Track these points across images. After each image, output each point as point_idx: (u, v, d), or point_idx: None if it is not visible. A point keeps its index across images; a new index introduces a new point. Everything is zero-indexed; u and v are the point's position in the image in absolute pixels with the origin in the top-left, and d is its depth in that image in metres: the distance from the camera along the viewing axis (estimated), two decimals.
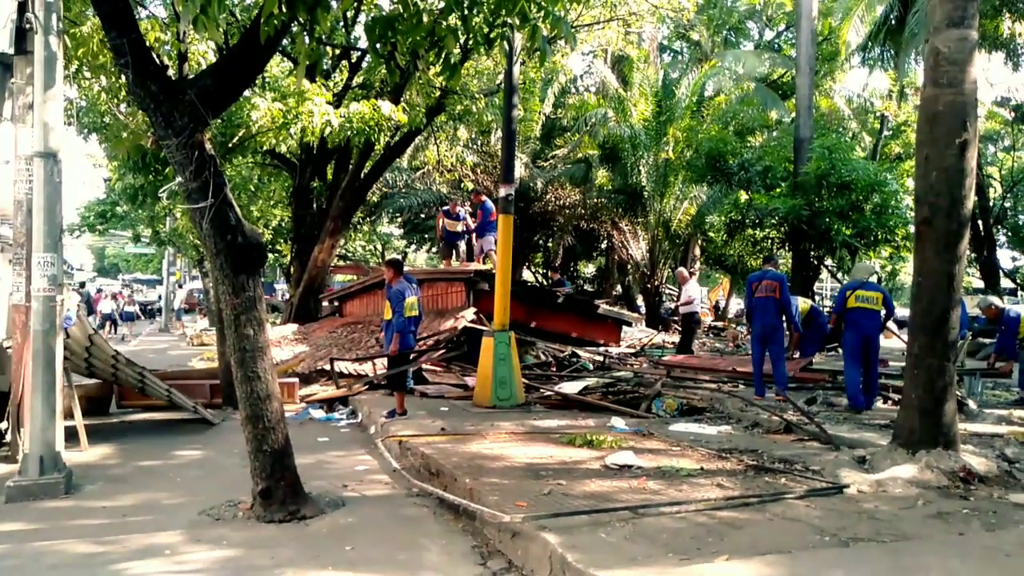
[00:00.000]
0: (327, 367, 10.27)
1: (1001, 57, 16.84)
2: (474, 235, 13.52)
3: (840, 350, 10.16)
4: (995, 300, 10.02)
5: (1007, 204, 23.53)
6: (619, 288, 24.82)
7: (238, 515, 4.85)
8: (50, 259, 5.47)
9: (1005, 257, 27.11)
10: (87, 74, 8.11)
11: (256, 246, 4.91)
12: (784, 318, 8.73)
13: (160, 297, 32.58)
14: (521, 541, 3.99)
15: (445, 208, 14.26)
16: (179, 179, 4.74)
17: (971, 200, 5.29)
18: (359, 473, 6.08)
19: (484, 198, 13.32)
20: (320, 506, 4.96)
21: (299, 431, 7.39)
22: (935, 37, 5.24)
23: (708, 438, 6.64)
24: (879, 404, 8.17)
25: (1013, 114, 19.50)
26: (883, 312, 7.85)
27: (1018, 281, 24.54)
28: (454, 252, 14.08)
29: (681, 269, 14.36)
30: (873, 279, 8.42)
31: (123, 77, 4.88)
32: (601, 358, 11.76)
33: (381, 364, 9.61)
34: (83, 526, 4.75)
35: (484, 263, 12.66)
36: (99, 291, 30.03)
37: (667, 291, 21.11)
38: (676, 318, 13.29)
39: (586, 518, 4.11)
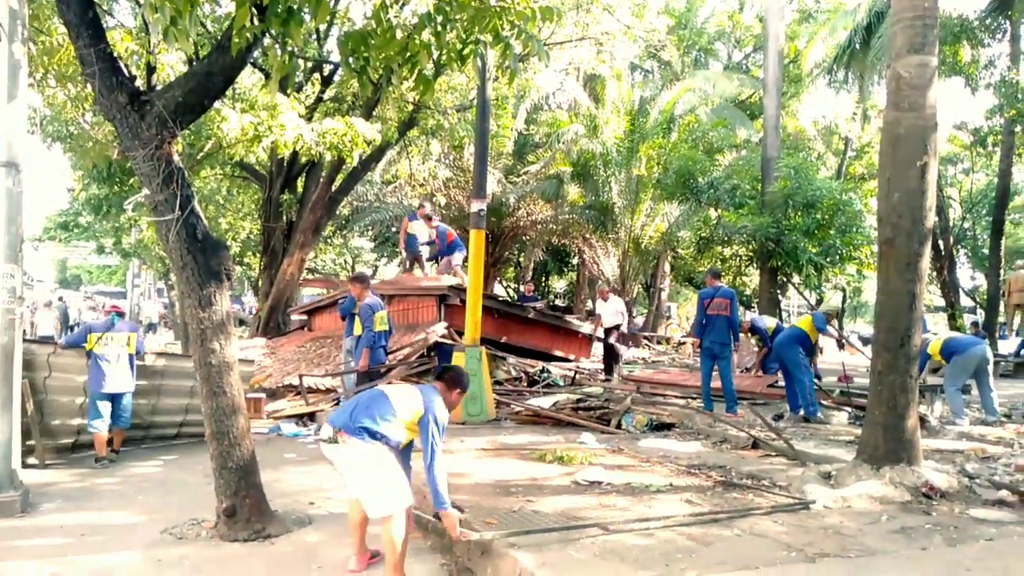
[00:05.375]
0: (295, 382, 10.14)
1: (960, 82, 17.36)
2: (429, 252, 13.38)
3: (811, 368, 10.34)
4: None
5: (966, 225, 24.18)
6: (590, 303, 24.93)
7: (201, 534, 4.74)
8: (10, 271, 5.34)
9: (965, 276, 27.86)
10: (52, 83, 7.97)
11: (223, 259, 4.84)
12: (734, 333, 9.24)
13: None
14: (491, 559, 3.96)
15: (412, 214, 14.03)
16: (145, 191, 4.67)
17: (932, 220, 5.42)
18: (326, 490, 5.99)
19: (436, 223, 13.17)
20: (286, 524, 4.88)
21: (265, 447, 7.27)
22: (896, 63, 5.39)
23: (677, 454, 6.68)
24: (843, 419, 8.33)
25: (972, 137, 20.07)
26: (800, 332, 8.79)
27: (977, 300, 25.17)
28: (416, 263, 13.86)
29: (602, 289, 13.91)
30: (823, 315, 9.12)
31: (90, 87, 4.80)
32: (572, 373, 11.77)
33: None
34: (40, 546, 4.61)
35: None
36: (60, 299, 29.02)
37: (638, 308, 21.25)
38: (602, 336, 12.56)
39: (556, 535, 4.10)
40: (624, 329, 12.72)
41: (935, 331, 12.36)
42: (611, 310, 12.35)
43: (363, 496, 3.90)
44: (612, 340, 12.31)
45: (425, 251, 13.09)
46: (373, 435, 3.82)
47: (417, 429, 3.90)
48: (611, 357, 12.42)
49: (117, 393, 7.00)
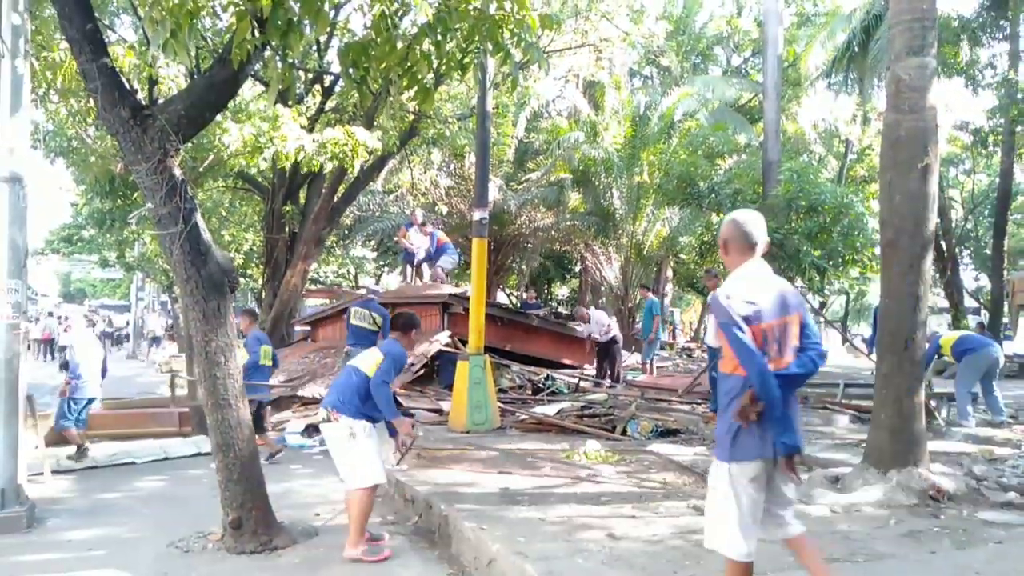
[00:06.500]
0: (300, 393, 10.13)
1: (960, 82, 17.36)
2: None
3: None
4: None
5: (969, 226, 24.14)
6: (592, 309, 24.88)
7: (208, 547, 4.74)
8: (14, 286, 5.36)
9: (968, 278, 27.79)
10: (54, 98, 8.02)
11: (227, 272, 4.85)
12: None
13: (128, 323, 31.81)
14: (497, 568, 3.95)
15: (407, 223, 14.32)
16: (149, 204, 4.68)
17: (934, 222, 5.42)
18: (332, 501, 5.97)
19: (431, 230, 13.58)
20: (293, 535, 4.87)
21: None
22: (896, 65, 5.40)
23: (683, 459, 6.65)
24: (848, 423, 8.29)
25: (972, 137, 20.07)
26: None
27: (982, 301, 25.10)
28: (410, 269, 14.14)
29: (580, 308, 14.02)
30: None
31: (92, 101, 4.83)
32: (576, 380, 11.74)
33: None
34: (47, 561, 4.61)
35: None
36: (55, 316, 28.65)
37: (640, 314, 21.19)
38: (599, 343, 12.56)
39: (563, 544, 4.08)
40: (614, 335, 12.52)
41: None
42: (597, 327, 12.34)
43: (342, 468, 4.52)
44: (613, 345, 12.34)
45: (421, 254, 13.43)
46: (360, 412, 4.45)
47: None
48: (608, 362, 12.42)
49: (91, 398, 7.86)
